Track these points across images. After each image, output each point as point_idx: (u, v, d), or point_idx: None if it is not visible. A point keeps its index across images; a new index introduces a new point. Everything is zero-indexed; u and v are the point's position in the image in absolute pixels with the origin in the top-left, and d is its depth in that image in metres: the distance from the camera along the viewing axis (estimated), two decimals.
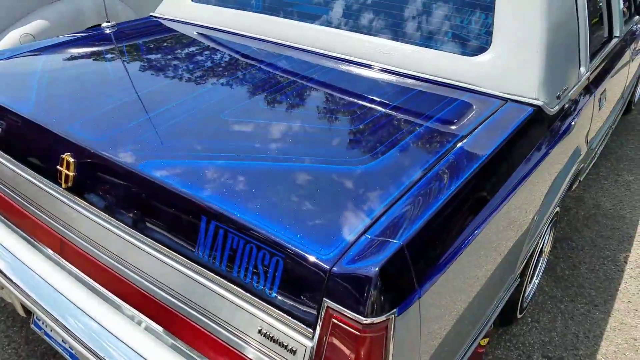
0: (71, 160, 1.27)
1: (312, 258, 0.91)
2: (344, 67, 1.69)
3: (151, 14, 2.33)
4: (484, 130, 1.31)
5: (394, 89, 1.52)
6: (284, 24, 1.91)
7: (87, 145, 1.25)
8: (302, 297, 0.93)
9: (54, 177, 1.33)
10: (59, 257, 1.38)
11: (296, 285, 0.93)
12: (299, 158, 1.17)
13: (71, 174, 1.27)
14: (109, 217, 1.23)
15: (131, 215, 1.19)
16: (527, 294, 1.97)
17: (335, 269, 0.88)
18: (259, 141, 1.24)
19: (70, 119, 1.36)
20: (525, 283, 1.79)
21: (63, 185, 1.29)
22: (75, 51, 1.85)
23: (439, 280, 0.99)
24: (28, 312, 1.54)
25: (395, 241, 0.91)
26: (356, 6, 1.81)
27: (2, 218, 1.55)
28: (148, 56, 1.78)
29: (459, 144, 1.23)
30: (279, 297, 0.96)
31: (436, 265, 0.99)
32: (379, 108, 1.40)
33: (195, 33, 2.03)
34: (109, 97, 1.46)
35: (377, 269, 0.86)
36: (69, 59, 1.78)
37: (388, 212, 1.00)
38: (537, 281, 2.11)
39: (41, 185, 1.38)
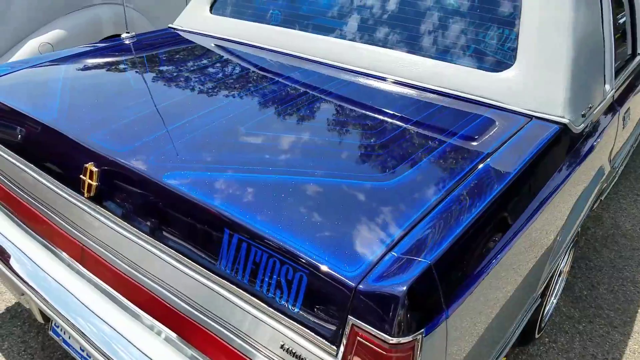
0: (94, 169, 1.27)
1: (337, 275, 0.90)
2: (364, 80, 1.69)
3: (170, 25, 2.36)
4: (510, 148, 1.29)
5: (416, 104, 1.52)
6: (302, 37, 1.92)
7: (111, 155, 1.26)
8: (326, 313, 0.92)
9: (76, 186, 1.34)
10: (79, 265, 1.38)
11: (320, 301, 0.92)
12: (322, 173, 1.16)
13: (94, 183, 1.28)
14: (131, 227, 1.23)
15: (153, 225, 1.19)
16: (545, 313, 1.93)
17: (361, 286, 0.87)
18: (281, 155, 1.24)
19: (93, 129, 1.36)
20: (544, 303, 1.76)
21: (85, 195, 1.30)
22: (97, 61, 1.87)
23: (466, 300, 0.97)
24: (46, 318, 1.54)
25: (423, 260, 0.90)
26: (378, 20, 1.81)
27: (23, 225, 1.56)
28: (168, 67, 1.79)
29: (485, 162, 1.22)
30: (302, 313, 0.95)
31: (463, 285, 0.97)
32: (401, 123, 1.40)
33: (215, 45, 2.04)
34: (130, 108, 1.47)
35: (405, 287, 0.84)
36: (90, 69, 1.80)
37: (413, 230, 0.99)
38: (555, 301, 2.08)
39: (63, 193, 1.38)
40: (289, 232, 0.99)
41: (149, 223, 1.20)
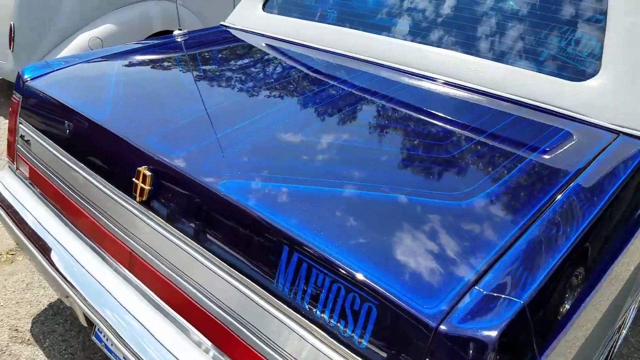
0: (148, 173, 1.21)
1: (413, 311, 0.79)
2: (431, 85, 1.57)
3: (221, 23, 2.30)
4: (598, 168, 1.16)
5: (489, 113, 1.39)
6: (361, 37, 1.82)
7: (165, 159, 1.19)
8: (399, 353, 0.81)
9: (128, 189, 1.28)
10: (127, 270, 1.33)
11: (392, 338, 0.82)
12: (391, 188, 1.06)
13: (147, 187, 1.22)
14: (183, 236, 1.16)
15: (206, 236, 1.12)
16: (615, 346, 1.77)
17: (443, 327, 0.76)
18: (344, 166, 1.14)
19: (147, 130, 1.31)
20: (619, 337, 1.61)
21: (137, 199, 1.24)
22: (149, 59, 1.83)
23: (557, 346, 0.85)
24: (90, 322, 1.50)
25: (515, 299, 0.79)
26: (446, 20, 1.69)
27: (71, 225, 1.52)
28: (221, 67, 1.73)
29: (573, 184, 1.09)
30: (371, 348, 0.85)
31: (555, 328, 0.85)
32: (474, 134, 1.28)
33: (269, 45, 1.97)
34: (184, 109, 1.40)
35: (497, 332, 0.73)
36: (143, 67, 1.76)
37: (500, 262, 0.88)
38: (624, 332, 1.90)
39: (114, 195, 1.33)
40: (355, 255, 0.89)
41: (201, 232, 1.13)
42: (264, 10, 2.17)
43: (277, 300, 0.99)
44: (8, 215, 1.68)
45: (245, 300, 1.05)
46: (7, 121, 3.78)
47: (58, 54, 3.53)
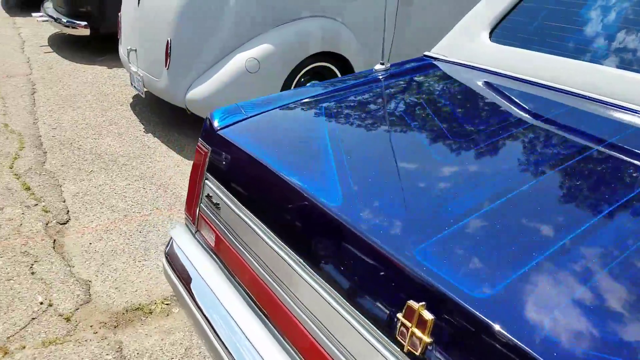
0: (428, 317, 0.79)
1: None
2: None
3: (426, 53, 1.85)
4: None
5: None
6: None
7: (461, 300, 0.76)
8: None
9: (388, 330, 0.87)
10: None
11: None
12: None
13: (425, 338, 0.79)
14: None
15: None
16: None
17: None
18: None
19: (415, 238, 0.88)
20: None
21: (405, 348, 0.82)
22: (362, 105, 1.43)
23: None
24: None
25: None
26: None
27: (274, 331, 1.15)
28: (472, 123, 1.27)
29: None
30: None
31: None
32: None
33: (521, 90, 1.48)
34: (457, 198, 0.97)
35: None
36: (359, 119, 1.36)
37: None
38: None
39: (356, 324, 0.92)
40: None
41: None
42: (491, 40, 1.69)
43: None
44: (188, 292, 1.37)
45: None
46: (157, 140, 3.69)
47: (213, 75, 3.36)
